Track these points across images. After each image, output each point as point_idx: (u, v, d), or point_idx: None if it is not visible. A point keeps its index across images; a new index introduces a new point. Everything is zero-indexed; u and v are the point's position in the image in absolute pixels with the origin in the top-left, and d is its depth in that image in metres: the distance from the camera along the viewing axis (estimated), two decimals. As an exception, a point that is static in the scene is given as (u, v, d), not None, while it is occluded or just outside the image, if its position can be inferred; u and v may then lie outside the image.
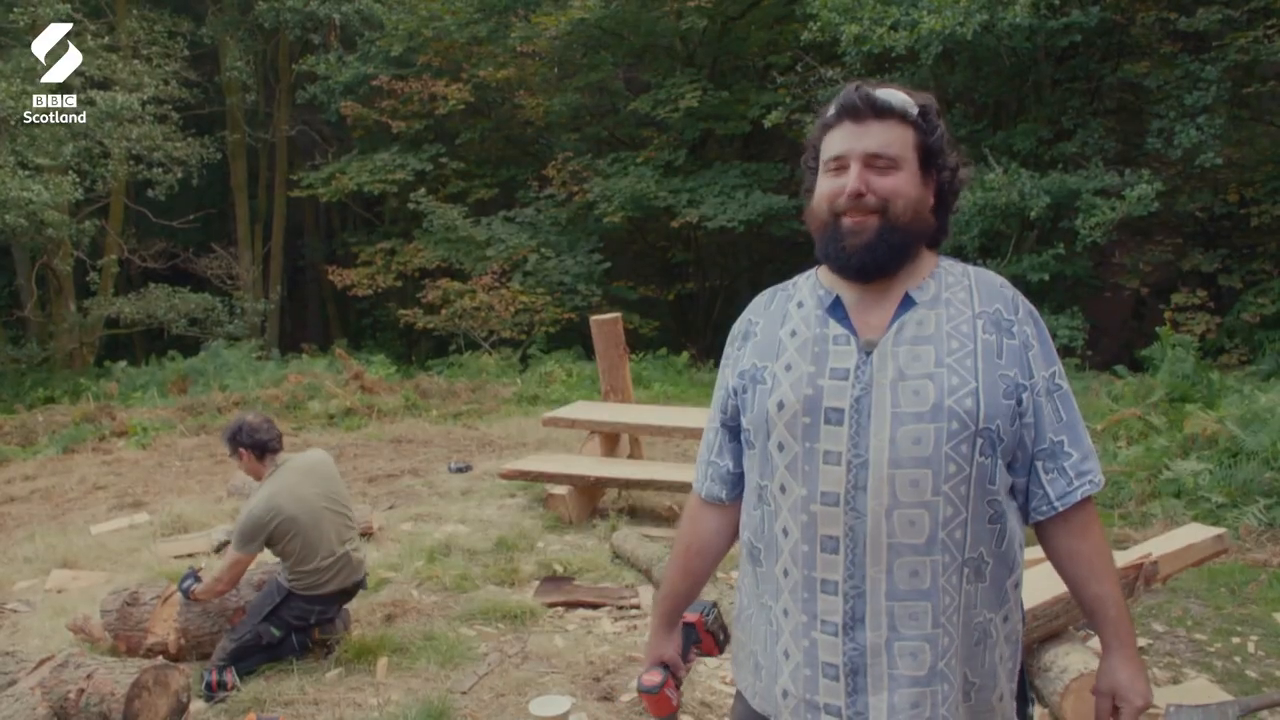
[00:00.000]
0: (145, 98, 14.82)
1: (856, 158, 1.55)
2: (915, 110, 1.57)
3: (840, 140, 1.58)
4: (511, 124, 17.51)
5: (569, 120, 17.06)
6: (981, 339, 1.53)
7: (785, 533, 1.57)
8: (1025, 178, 10.30)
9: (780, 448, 1.57)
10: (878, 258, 1.54)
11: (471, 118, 17.20)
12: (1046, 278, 10.78)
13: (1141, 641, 4.16)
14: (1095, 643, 3.40)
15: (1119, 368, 9.65)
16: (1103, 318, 13.06)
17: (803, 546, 1.54)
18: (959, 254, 11.22)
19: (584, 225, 15.86)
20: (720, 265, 17.44)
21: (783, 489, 1.57)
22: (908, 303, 1.56)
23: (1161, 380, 7.78)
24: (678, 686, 1.83)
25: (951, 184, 1.63)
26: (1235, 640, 4.19)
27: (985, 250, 11.49)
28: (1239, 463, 5.90)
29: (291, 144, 19.93)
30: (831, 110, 1.61)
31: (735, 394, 1.68)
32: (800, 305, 1.65)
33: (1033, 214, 10.31)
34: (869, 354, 1.53)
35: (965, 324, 1.54)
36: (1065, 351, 10.75)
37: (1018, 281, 10.86)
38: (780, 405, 1.56)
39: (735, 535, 1.79)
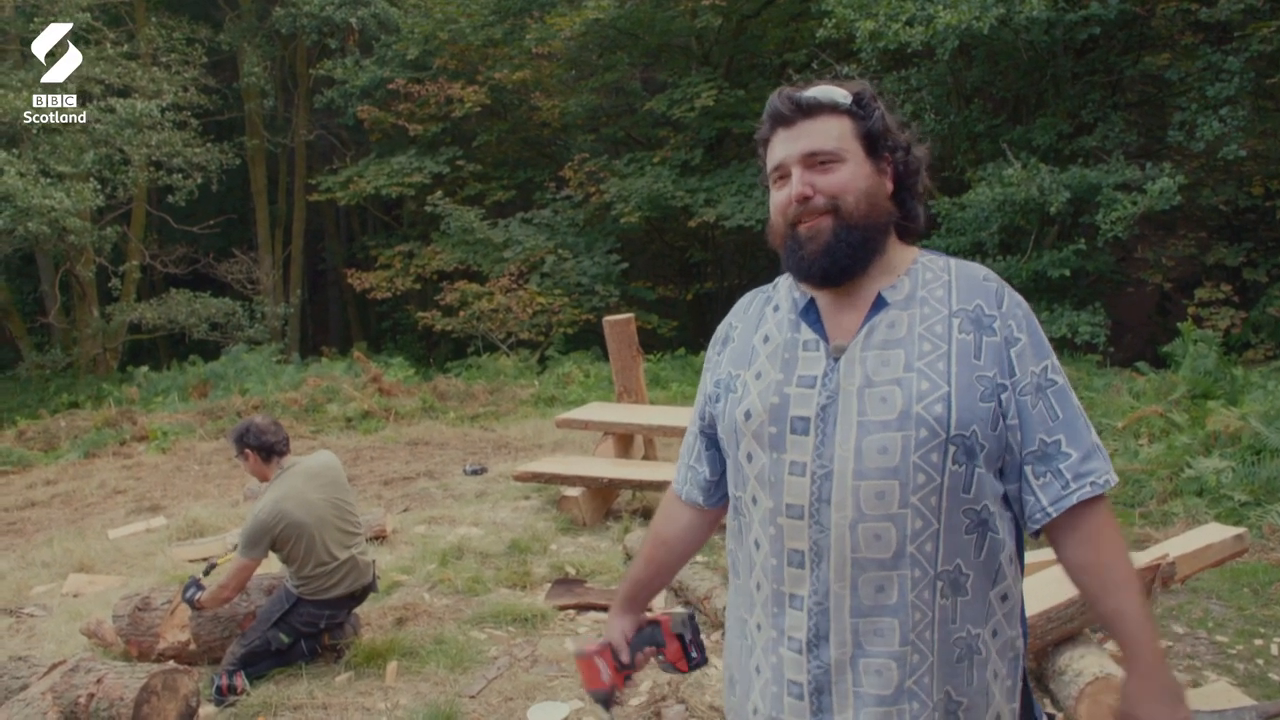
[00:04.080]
0: (165, 104, 15.01)
1: (795, 161, 1.48)
2: (847, 99, 1.49)
3: (778, 149, 1.51)
4: (528, 125, 17.56)
5: (585, 121, 17.08)
6: (957, 339, 1.43)
7: (757, 545, 1.52)
8: (1045, 173, 10.17)
9: (749, 458, 1.51)
10: (838, 260, 1.46)
11: (488, 120, 17.26)
12: (1068, 273, 10.64)
13: (1161, 644, 4.08)
14: (1113, 644, 3.33)
15: (1141, 364, 9.51)
16: (1126, 314, 12.91)
17: (771, 560, 1.48)
18: (979, 250, 11.10)
19: (601, 226, 15.86)
20: (739, 264, 17.39)
21: (754, 500, 1.52)
22: (880, 304, 1.48)
23: (1183, 377, 7.68)
24: (619, 670, 1.76)
25: (907, 164, 1.53)
26: (1258, 642, 4.10)
27: (1005, 246, 11.38)
28: (1262, 460, 5.80)
29: (310, 148, 20.10)
30: (763, 123, 1.55)
31: (711, 401, 1.64)
32: (776, 309, 1.59)
33: (1053, 209, 10.18)
34: (837, 360, 1.46)
35: (939, 324, 1.45)
36: (1088, 348, 10.62)
37: (1039, 278, 10.76)
38: (748, 415, 1.50)
39: (705, 538, 1.80)
